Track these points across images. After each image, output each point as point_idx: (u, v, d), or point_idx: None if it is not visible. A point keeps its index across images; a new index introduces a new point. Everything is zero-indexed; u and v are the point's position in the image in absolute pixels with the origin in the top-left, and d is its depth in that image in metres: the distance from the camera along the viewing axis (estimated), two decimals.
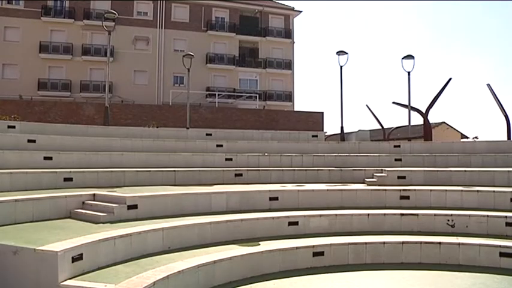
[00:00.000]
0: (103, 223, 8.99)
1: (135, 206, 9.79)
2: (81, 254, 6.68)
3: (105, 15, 22.31)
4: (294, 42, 50.31)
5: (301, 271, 8.83)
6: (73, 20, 43.42)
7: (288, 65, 49.34)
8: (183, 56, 23.51)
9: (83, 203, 10.08)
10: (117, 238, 7.60)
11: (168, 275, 6.72)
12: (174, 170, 13.81)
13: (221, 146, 16.79)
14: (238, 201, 11.36)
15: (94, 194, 10.40)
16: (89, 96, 41.60)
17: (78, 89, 43.00)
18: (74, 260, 6.50)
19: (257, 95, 45.10)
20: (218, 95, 42.41)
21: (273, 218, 10.36)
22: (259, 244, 9.21)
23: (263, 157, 16.04)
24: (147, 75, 45.28)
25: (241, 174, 14.44)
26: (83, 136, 15.43)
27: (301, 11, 50.81)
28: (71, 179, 11.92)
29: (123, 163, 14.02)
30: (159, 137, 17.39)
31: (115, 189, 11.21)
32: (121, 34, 42.35)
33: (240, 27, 47.87)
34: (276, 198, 11.75)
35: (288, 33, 49.83)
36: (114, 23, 23.75)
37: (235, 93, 45.43)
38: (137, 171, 13.30)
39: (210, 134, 18.44)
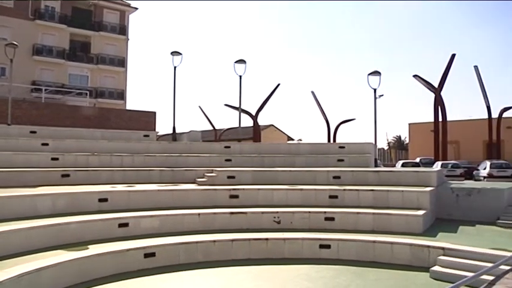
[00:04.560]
0: None
1: None
2: None
3: None
4: (128, 39, 49.08)
5: (132, 273, 8.74)
6: None
7: (122, 62, 47.98)
8: (6, 45, 21.59)
9: None
10: None
11: None
12: None
13: (47, 144, 15.82)
14: (66, 203, 10.86)
15: None
16: None
17: None
18: None
19: (88, 92, 43.11)
20: (45, 90, 39.52)
21: (102, 220, 10.11)
22: (88, 248, 8.91)
23: (92, 157, 15.47)
24: None
25: (68, 175, 13.77)
26: None
27: (137, 8, 49.74)
28: None
29: None
30: None
31: None
32: None
33: (72, 19, 45.23)
34: (106, 200, 11.48)
35: (122, 30, 48.45)
36: None
37: (65, 89, 42.87)
38: None
39: (35, 132, 17.25)
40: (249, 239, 10.31)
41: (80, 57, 45.83)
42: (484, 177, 30.08)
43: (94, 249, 8.81)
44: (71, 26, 45.12)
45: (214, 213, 11.53)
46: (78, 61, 45.63)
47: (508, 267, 6.21)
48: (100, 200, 11.41)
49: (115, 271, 8.65)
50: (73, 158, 15.08)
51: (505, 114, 41.77)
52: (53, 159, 14.70)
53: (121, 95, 47.47)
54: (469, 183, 16.47)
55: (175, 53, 23.22)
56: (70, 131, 18.51)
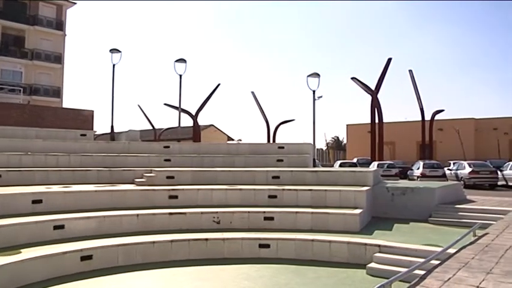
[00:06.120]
0: None
1: None
2: None
3: None
4: (65, 35, 47.65)
5: (69, 277, 8.49)
6: None
7: (58, 58, 46.50)
8: None
9: None
10: None
11: None
12: None
13: None
14: None
15: None
16: None
17: None
18: None
19: (21, 89, 41.52)
20: None
21: (36, 222, 9.78)
22: (21, 252, 8.59)
23: (26, 156, 14.94)
24: None
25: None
26: None
27: (75, 3, 48.32)
28: None
29: None
30: None
31: None
32: None
33: (4, 11, 43.31)
34: (40, 201, 11.11)
35: (59, 25, 46.93)
36: None
37: None
38: None
39: None
40: (189, 240, 10.24)
41: (12, 52, 43.97)
42: (418, 176, 31.39)
43: (27, 253, 8.48)
44: (3, 18, 43.15)
45: (153, 213, 11.39)
46: (11, 56, 43.74)
47: (437, 262, 6.50)
48: (34, 202, 11.01)
49: (50, 275, 8.37)
50: (5, 157, 14.51)
51: (437, 117, 43.58)
52: None
53: (57, 93, 45.99)
54: (403, 183, 17.08)
55: (114, 51, 22.84)
56: (1, 129, 17.79)
